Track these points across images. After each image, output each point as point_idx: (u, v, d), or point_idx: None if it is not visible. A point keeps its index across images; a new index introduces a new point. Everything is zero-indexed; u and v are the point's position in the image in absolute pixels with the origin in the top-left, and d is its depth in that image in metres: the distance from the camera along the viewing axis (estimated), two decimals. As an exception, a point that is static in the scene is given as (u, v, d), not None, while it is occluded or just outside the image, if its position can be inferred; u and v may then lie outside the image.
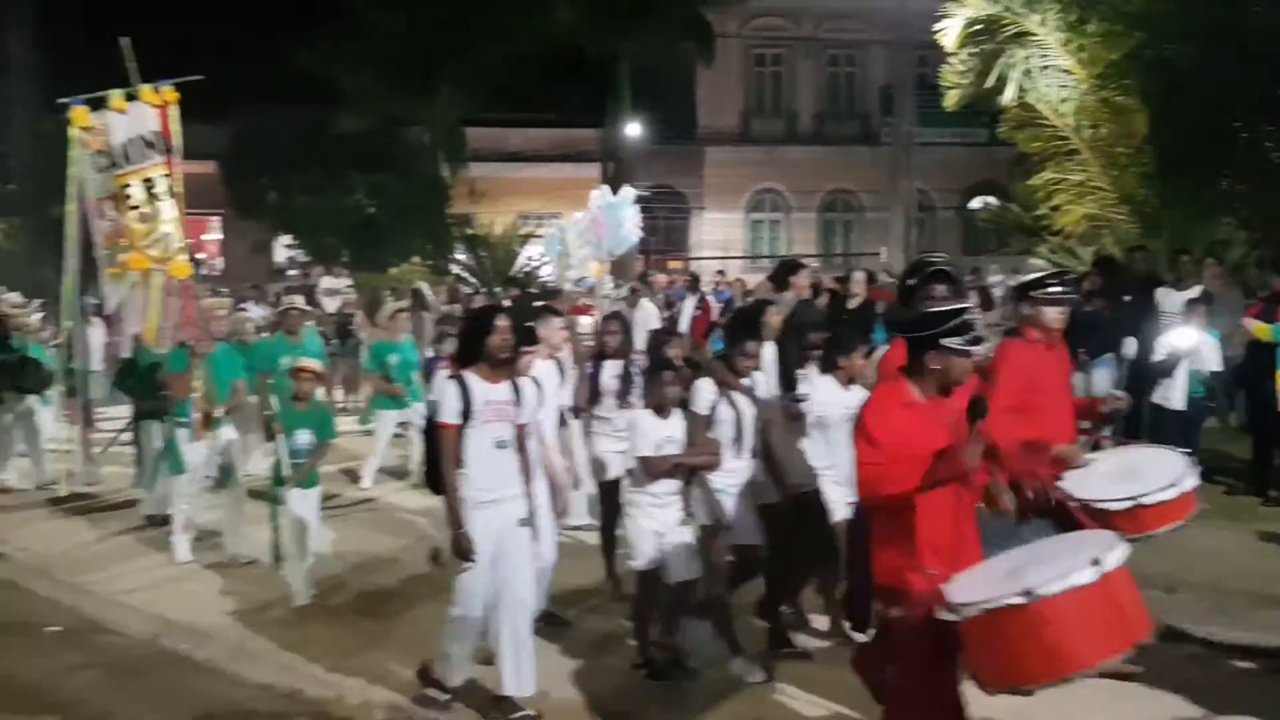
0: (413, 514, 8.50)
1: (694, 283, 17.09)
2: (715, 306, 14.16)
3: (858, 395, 5.03)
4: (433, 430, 4.89)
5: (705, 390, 5.32)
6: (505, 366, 4.88)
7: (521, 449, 4.90)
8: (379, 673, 5.31)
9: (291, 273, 24.46)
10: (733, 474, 5.32)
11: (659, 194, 27.36)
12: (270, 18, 25.95)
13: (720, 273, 20.81)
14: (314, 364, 7.07)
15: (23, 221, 27.40)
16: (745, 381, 5.45)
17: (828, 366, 5.59)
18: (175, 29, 19.73)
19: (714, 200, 30.55)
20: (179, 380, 7.35)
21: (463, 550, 4.63)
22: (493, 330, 4.77)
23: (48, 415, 9.88)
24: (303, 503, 6.45)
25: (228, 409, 7.49)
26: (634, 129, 25.78)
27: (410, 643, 5.46)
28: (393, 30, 22.27)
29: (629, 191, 9.84)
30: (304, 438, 6.52)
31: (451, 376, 4.85)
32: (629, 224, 9.81)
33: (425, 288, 15.74)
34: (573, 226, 9.86)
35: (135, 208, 7.27)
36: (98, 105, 7.38)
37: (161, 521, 7.77)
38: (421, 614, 5.94)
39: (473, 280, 21.51)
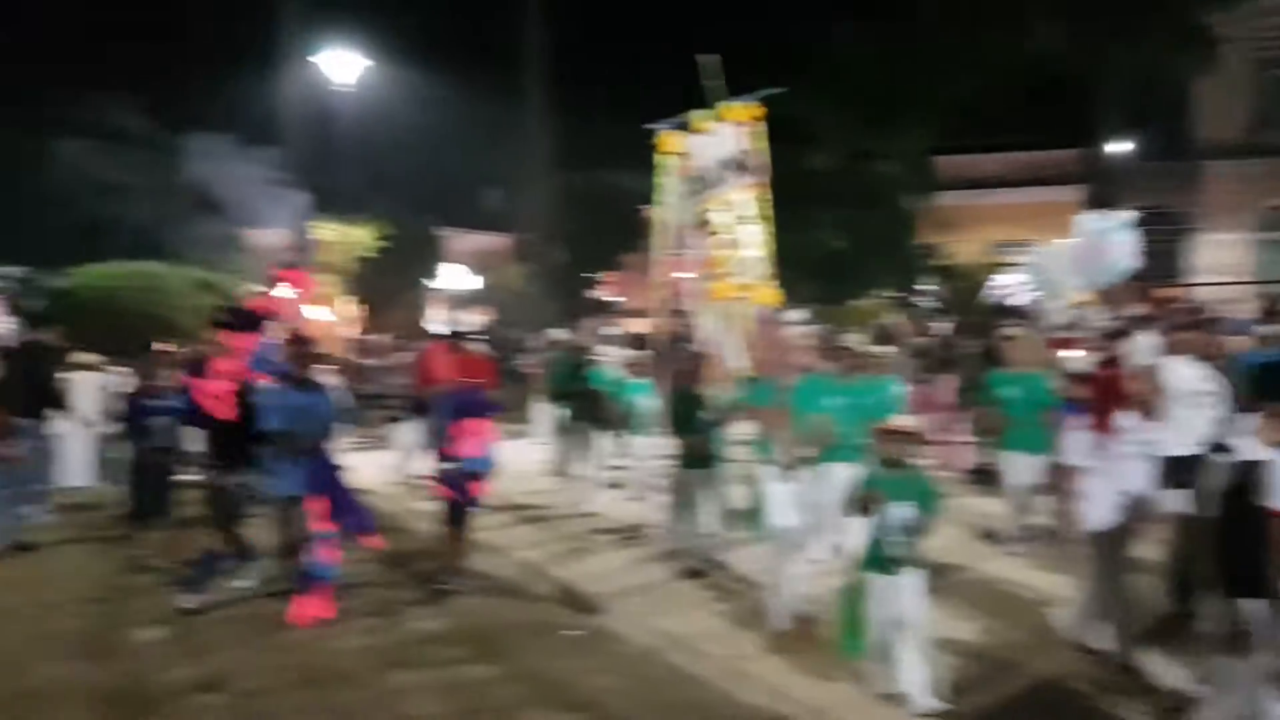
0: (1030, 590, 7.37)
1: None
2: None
3: None
4: (1244, 515, 4.61)
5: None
6: None
7: None
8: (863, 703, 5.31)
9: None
10: None
11: (1150, 215, 25.06)
12: (740, 70, 27.45)
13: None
14: (908, 423, 5.75)
15: (533, 267, 31.29)
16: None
17: None
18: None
19: (1215, 220, 27.39)
20: (764, 417, 6.84)
21: None
22: None
23: (609, 442, 10.48)
24: (902, 591, 5.33)
25: (814, 447, 6.92)
26: (1122, 147, 23.87)
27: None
28: (866, 69, 22.56)
29: (1124, 214, 9.09)
30: (905, 511, 5.34)
31: None
32: (1124, 250, 9.07)
33: (897, 321, 15.63)
34: (1057, 253, 9.29)
35: (718, 234, 7.09)
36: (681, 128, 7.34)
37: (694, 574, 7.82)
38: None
39: (939, 311, 21.05)
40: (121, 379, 11.49)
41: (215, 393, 7.04)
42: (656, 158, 7.53)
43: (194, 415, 7.24)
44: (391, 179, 27.85)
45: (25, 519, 9.46)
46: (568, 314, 27.78)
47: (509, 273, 33.88)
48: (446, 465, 7.30)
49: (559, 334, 16.52)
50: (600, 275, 35.88)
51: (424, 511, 10.14)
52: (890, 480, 5.38)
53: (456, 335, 7.53)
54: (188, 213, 23.93)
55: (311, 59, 24.69)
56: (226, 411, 7.02)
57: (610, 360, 11.82)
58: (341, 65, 25.17)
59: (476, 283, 35.81)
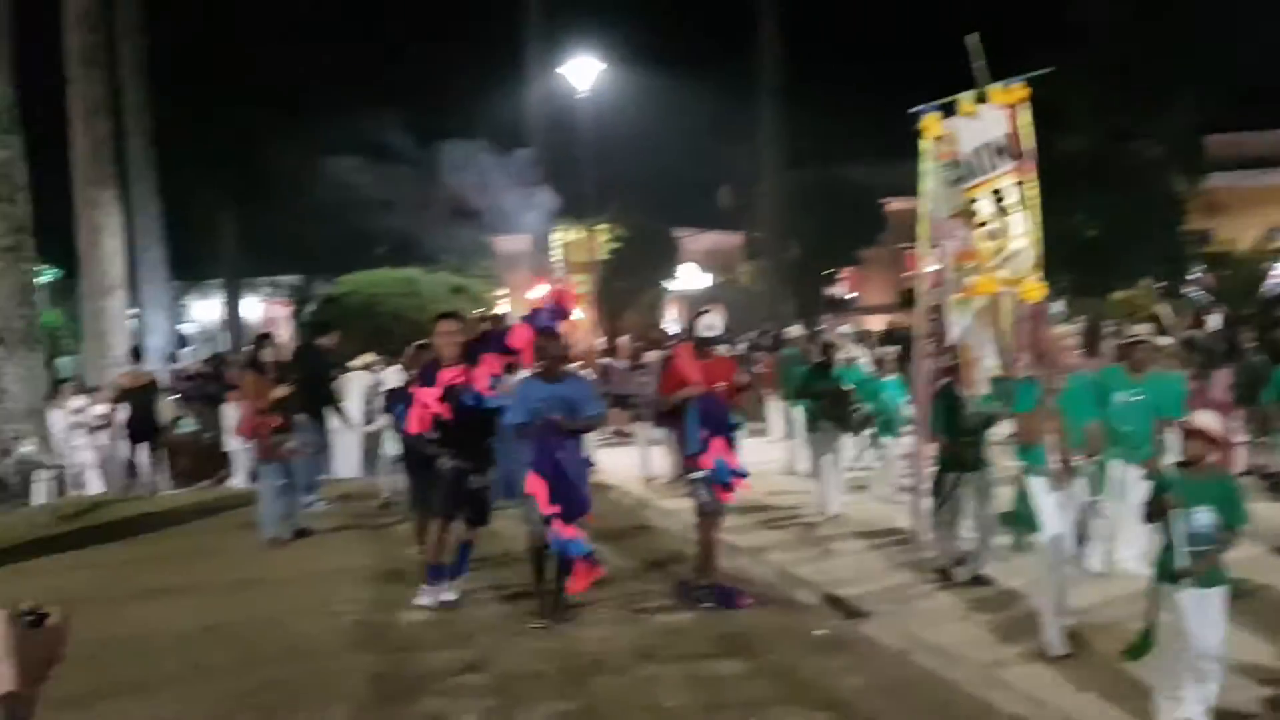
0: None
1: None
2: None
3: None
4: None
5: None
6: None
7: None
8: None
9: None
10: None
11: None
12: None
13: None
14: (1211, 425, 5.03)
15: (765, 265, 31.18)
16: None
17: None
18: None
19: None
20: (1029, 421, 6.33)
21: None
22: None
23: (853, 443, 10.35)
24: (1198, 608, 4.76)
25: (1085, 456, 6.48)
26: None
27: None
28: (1122, 44, 21.12)
29: None
30: (1204, 518, 4.80)
31: None
32: None
33: (1166, 311, 14.55)
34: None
35: (983, 224, 6.69)
36: (948, 112, 7.01)
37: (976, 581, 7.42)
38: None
39: (1211, 302, 19.43)
40: (386, 377, 12.31)
41: (434, 395, 7.18)
42: (921, 144, 7.22)
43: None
44: (627, 180, 28.47)
45: (305, 508, 10.28)
46: (801, 312, 27.50)
47: (741, 271, 33.92)
48: (697, 473, 7.23)
49: (795, 331, 16.37)
50: (836, 271, 35.34)
51: (670, 510, 10.31)
52: (1189, 484, 4.87)
53: (703, 340, 7.47)
54: (443, 221, 25.34)
55: (558, 70, 25.61)
56: (444, 411, 7.18)
57: (853, 358, 11.60)
58: (581, 71, 25.97)
59: (708, 281, 36.08)
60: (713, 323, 7.38)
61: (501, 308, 25.05)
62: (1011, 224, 6.58)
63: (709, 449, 7.13)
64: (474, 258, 27.91)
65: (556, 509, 6.80)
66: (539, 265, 23.74)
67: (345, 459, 13.61)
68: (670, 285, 33.59)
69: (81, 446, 13.82)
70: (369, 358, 13.79)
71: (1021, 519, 6.53)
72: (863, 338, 16.15)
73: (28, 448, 11.76)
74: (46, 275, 31.73)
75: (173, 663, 6.40)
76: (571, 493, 6.86)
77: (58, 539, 10.46)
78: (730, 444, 7.24)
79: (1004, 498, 7.53)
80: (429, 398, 7.23)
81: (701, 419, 7.14)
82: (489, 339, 7.58)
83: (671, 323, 32.14)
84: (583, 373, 14.28)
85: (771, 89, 29.40)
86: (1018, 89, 6.69)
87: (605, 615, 7.03)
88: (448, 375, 7.21)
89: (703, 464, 7.15)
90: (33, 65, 13.56)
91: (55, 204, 17.53)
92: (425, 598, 7.36)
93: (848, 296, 37.31)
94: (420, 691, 5.80)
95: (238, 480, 13.39)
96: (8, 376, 12.68)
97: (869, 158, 27.48)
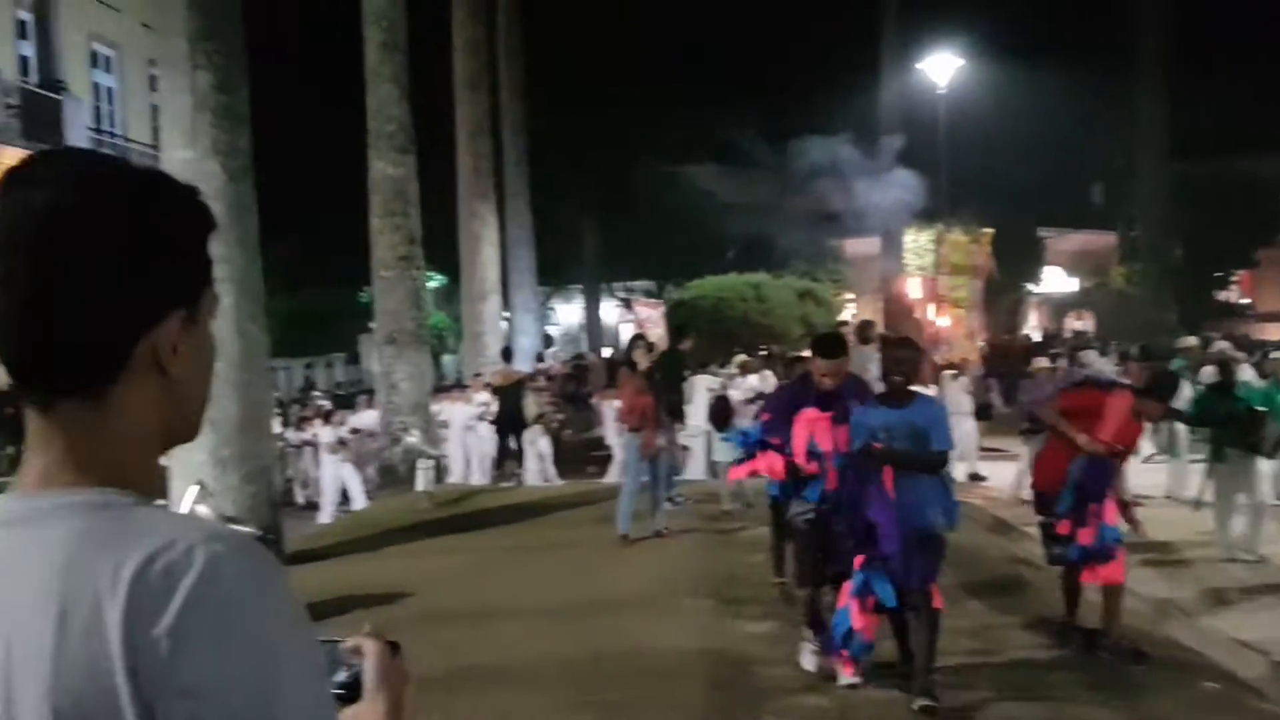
0: None
1: None
2: None
3: None
4: None
5: None
6: None
7: None
8: None
9: None
10: None
11: None
12: None
13: None
14: None
15: (1144, 267, 28.48)
16: None
17: None
18: None
19: None
20: None
21: None
22: None
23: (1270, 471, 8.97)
24: None
25: None
26: None
27: None
28: None
29: None
30: None
31: None
32: None
33: None
34: None
35: None
36: None
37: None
38: None
39: None
40: (748, 382, 12.39)
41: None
42: None
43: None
44: (989, 179, 27.04)
45: (662, 507, 10.47)
46: (1184, 319, 24.83)
47: (1114, 273, 31.26)
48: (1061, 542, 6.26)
49: (1190, 342, 14.60)
50: (1228, 274, 31.70)
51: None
52: None
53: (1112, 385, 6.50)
54: (794, 224, 25.32)
55: (917, 66, 24.81)
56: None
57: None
58: (940, 67, 24.99)
59: (1075, 285, 33.56)
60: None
61: (848, 312, 24.63)
62: None
63: (1086, 517, 6.16)
64: (823, 261, 27.67)
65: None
66: (891, 268, 23.05)
67: (692, 461, 13.85)
68: (1034, 289, 31.62)
69: (458, 439, 15.12)
70: (749, 359, 13.99)
71: None
72: (1244, 345, 14.24)
73: (413, 438, 12.93)
74: (435, 281, 35.21)
75: (522, 649, 6.70)
76: (904, 548, 5.48)
77: (435, 524, 11.40)
78: (1114, 504, 6.26)
79: None
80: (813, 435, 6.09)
81: (1085, 481, 6.17)
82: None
83: (1033, 330, 30.20)
84: (959, 380, 13.60)
85: (1151, 73, 26.81)
86: None
87: (962, 645, 6.50)
88: (810, 416, 6.14)
89: (1080, 538, 6.16)
90: (421, 88, 14.90)
91: (440, 215, 19.29)
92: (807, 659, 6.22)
93: (1241, 302, 33.38)
94: (758, 708, 5.67)
95: (612, 475, 13.91)
96: (398, 374, 14.04)
97: (1266, 147, 24.50)
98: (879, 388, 6.30)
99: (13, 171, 1.03)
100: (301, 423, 16.15)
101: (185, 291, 1.05)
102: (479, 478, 15.22)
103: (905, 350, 6.07)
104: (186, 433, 1.10)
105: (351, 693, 1.15)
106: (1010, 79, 26.24)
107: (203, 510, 7.12)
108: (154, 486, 1.06)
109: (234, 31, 9.52)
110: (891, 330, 15.80)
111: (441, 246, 20.88)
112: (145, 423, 1.04)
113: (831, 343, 6.45)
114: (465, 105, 19.62)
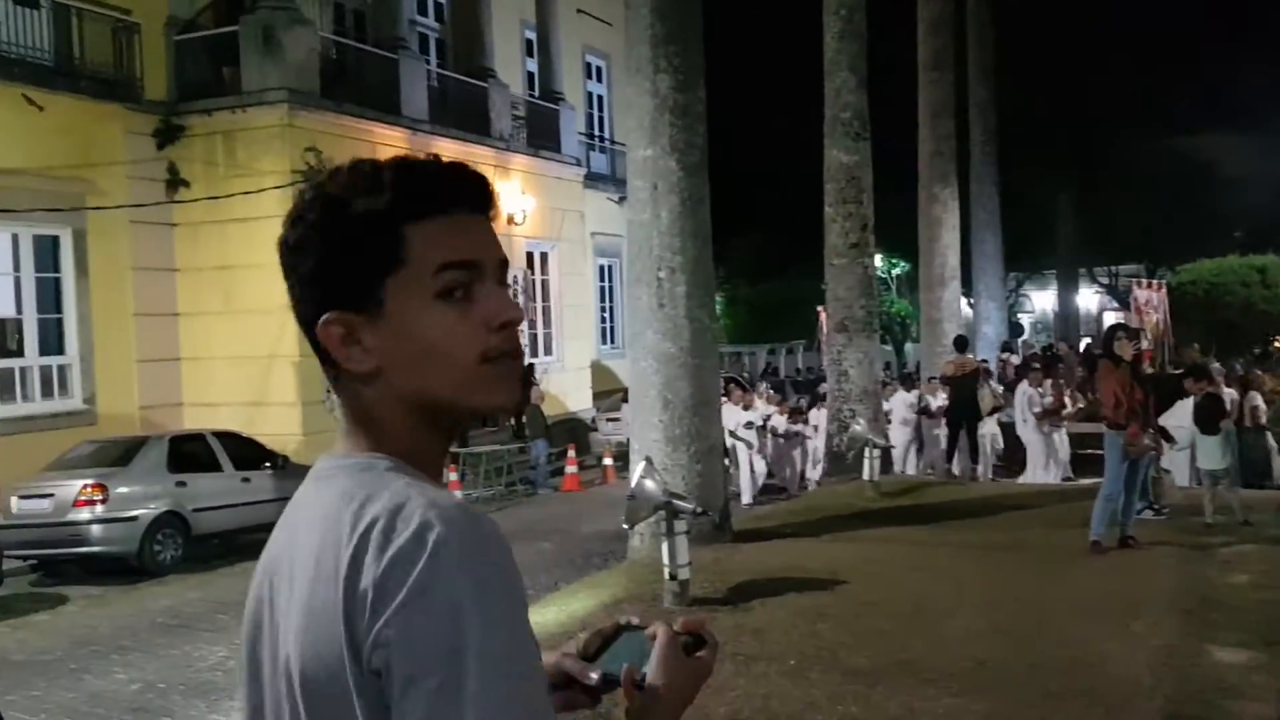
0: None
1: None
2: None
3: None
4: None
5: None
6: None
7: None
8: None
9: None
10: None
11: None
12: None
13: None
14: None
15: None
16: None
17: None
18: None
19: None
20: None
21: None
22: None
23: None
24: None
25: None
26: None
27: None
28: None
29: None
30: None
31: None
32: None
33: None
34: None
35: None
36: None
37: None
38: None
39: None
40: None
41: None
42: None
43: None
44: None
45: (1136, 514, 9.47)
46: None
47: None
48: None
49: None
50: None
51: None
52: None
53: None
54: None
55: None
56: None
57: None
58: None
59: None
60: None
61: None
62: None
63: None
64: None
65: None
66: None
67: (1175, 466, 12.48)
68: None
69: (904, 429, 14.89)
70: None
71: None
72: None
73: (859, 425, 12.86)
74: (898, 268, 34.77)
75: (954, 653, 6.40)
76: None
77: (877, 513, 11.28)
78: None
79: None
80: None
81: None
82: None
83: None
84: None
85: None
86: None
87: None
88: None
89: None
90: (878, 73, 14.72)
91: (899, 200, 18.95)
92: None
93: None
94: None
95: (1028, 474, 13.02)
96: (848, 360, 14.03)
97: None
98: None
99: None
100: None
101: (341, 294, 1.09)
102: (911, 469, 14.98)
103: None
104: (449, 412, 1.13)
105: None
106: None
107: (649, 484, 7.63)
108: (426, 457, 1.13)
109: (694, 34, 10.02)
110: None
111: (906, 233, 20.53)
112: (391, 400, 1.11)
113: None
114: (927, 88, 19.10)
